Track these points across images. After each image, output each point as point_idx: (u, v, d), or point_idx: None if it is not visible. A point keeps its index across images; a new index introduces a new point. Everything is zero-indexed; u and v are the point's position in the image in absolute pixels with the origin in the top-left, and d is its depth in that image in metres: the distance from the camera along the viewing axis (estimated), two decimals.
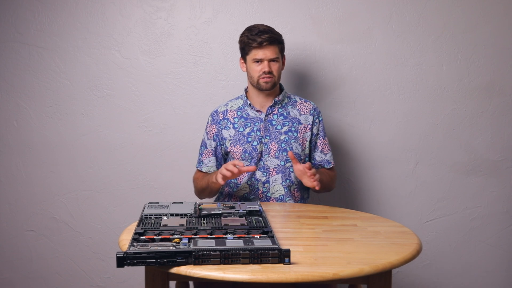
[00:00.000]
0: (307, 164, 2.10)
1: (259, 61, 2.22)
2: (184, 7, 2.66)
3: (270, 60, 2.22)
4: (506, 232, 2.76)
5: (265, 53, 2.21)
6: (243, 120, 2.31)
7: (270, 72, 2.22)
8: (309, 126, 2.32)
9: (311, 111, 2.34)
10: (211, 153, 2.32)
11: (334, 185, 2.41)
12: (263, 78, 2.23)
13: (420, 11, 2.64)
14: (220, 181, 2.08)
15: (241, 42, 2.27)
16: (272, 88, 2.27)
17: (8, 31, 2.68)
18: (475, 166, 2.72)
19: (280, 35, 2.26)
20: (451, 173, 2.72)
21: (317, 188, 2.11)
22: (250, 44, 2.21)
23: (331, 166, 2.36)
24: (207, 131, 2.35)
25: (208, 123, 2.36)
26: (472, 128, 2.70)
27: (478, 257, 2.77)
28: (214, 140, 2.33)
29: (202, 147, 2.35)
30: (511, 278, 2.78)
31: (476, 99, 2.69)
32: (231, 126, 2.31)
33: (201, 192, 2.32)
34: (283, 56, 2.30)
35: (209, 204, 2.01)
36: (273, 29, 2.26)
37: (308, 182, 2.13)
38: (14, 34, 2.68)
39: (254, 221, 1.80)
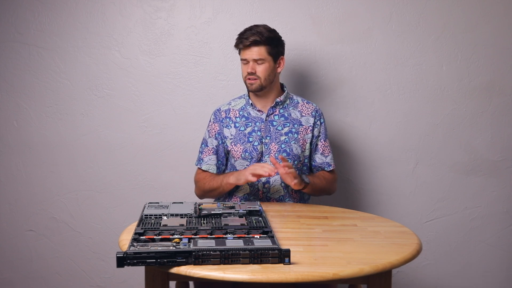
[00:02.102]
0: (280, 157, 2.13)
1: (245, 61, 2.23)
2: (184, 7, 2.66)
3: (255, 61, 2.22)
4: (506, 232, 2.76)
5: (250, 53, 2.21)
6: (244, 119, 2.31)
7: (253, 73, 2.22)
8: (310, 127, 2.32)
9: (313, 113, 2.34)
10: (211, 151, 2.32)
11: (334, 187, 2.39)
12: (248, 79, 2.24)
13: (420, 11, 2.64)
14: (251, 178, 2.09)
15: (235, 42, 2.28)
16: (259, 90, 2.25)
17: (8, 31, 2.68)
18: (475, 166, 2.72)
19: (270, 37, 2.23)
20: (451, 173, 2.72)
21: (295, 188, 2.12)
22: (238, 44, 2.24)
23: (331, 169, 2.35)
24: (209, 129, 2.35)
25: (210, 121, 2.36)
26: (472, 128, 2.70)
27: (478, 257, 2.77)
28: (216, 139, 2.33)
29: (203, 145, 2.35)
30: (511, 278, 2.78)
31: (476, 99, 2.69)
32: (232, 125, 2.31)
33: (208, 192, 2.29)
34: (279, 57, 2.28)
35: (209, 204, 2.01)
36: (267, 31, 2.23)
37: (288, 179, 2.11)
38: (14, 34, 2.68)
39: (254, 221, 1.80)
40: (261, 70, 2.23)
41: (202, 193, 2.32)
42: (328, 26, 2.65)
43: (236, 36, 2.26)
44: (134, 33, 2.68)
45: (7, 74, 2.71)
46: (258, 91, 2.26)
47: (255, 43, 2.21)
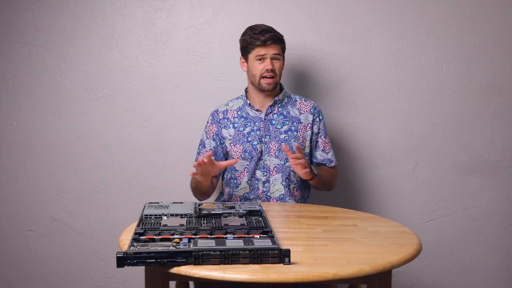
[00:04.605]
0: (296, 149, 2.11)
1: (262, 58, 2.22)
2: (184, 7, 2.66)
3: (273, 58, 2.22)
4: (506, 232, 2.76)
5: (268, 50, 2.22)
6: (243, 119, 2.31)
7: (272, 71, 2.22)
8: (309, 125, 2.32)
9: (311, 110, 2.34)
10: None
11: (335, 183, 2.41)
12: (265, 78, 2.23)
13: (420, 11, 2.64)
14: (199, 178, 2.09)
15: (244, 41, 2.26)
16: (273, 89, 2.27)
17: (8, 31, 2.68)
18: (475, 166, 2.72)
19: (282, 35, 2.28)
20: (451, 173, 2.72)
21: (304, 177, 2.13)
22: (254, 42, 2.22)
23: (333, 165, 2.36)
24: (206, 130, 2.35)
25: (208, 122, 2.36)
26: (472, 128, 2.70)
27: (478, 257, 2.77)
28: (214, 140, 2.33)
29: (200, 146, 2.35)
30: (511, 278, 2.78)
31: (476, 99, 2.69)
32: (231, 125, 2.31)
33: (195, 193, 2.32)
34: (283, 57, 2.31)
35: (209, 204, 2.01)
36: (274, 29, 2.28)
37: (299, 170, 2.12)
38: (14, 34, 2.68)
39: (254, 221, 1.80)
40: (278, 66, 2.25)
41: (193, 194, 2.34)
42: (328, 26, 2.65)
43: (244, 36, 2.26)
44: (134, 33, 2.68)
45: (7, 74, 2.71)
46: (272, 89, 2.27)
47: (274, 41, 2.22)
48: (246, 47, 2.27)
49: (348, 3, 2.64)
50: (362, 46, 2.66)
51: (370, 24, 2.65)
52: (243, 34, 2.27)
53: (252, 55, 2.25)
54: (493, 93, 2.69)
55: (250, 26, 2.28)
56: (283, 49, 2.28)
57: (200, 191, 2.27)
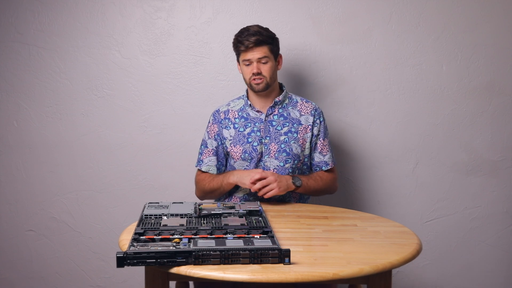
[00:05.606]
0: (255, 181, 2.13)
1: (248, 62, 2.22)
2: (184, 7, 2.66)
3: (259, 61, 2.21)
4: (506, 232, 2.76)
5: (253, 54, 2.20)
6: (243, 120, 2.31)
7: (259, 73, 2.22)
8: (309, 126, 2.32)
9: (312, 112, 2.34)
10: (211, 153, 2.32)
11: (335, 186, 2.38)
12: (254, 80, 2.23)
13: (420, 11, 2.64)
14: (252, 187, 2.11)
15: (232, 44, 2.27)
16: (265, 89, 2.26)
17: (8, 31, 2.68)
18: (475, 166, 2.72)
19: (270, 36, 2.24)
20: (451, 173, 2.72)
21: (280, 194, 2.15)
22: (239, 47, 2.22)
23: (329, 168, 2.34)
24: (208, 130, 2.35)
25: (209, 122, 2.36)
26: (472, 128, 2.70)
27: (478, 257, 2.77)
28: (215, 140, 2.32)
29: (202, 146, 2.35)
30: (511, 278, 2.78)
31: (476, 99, 2.69)
32: (231, 126, 2.31)
33: (208, 193, 2.29)
34: (278, 56, 2.29)
35: (209, 204, 2.01)
36: (264, 30, 2.24)
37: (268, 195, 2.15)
38: (14, 34, 2.68)
39: (254, 221, 1.80)
40: (266, 69, 2.23)
41: (202, 194, 2.32)
42: (328, 26, 2.65)
43: (233, 39, 2.25)
44: (134, 33, 2.68)
45: (7, 74, 2.71)
46: (264, 90, 2.25)
47: (258, 43, 2.20)
48: (235, 51, 2.27)
49: (348, 3, 2.64)
50: (362, 46, 2.66)
51: (370, 24, 2.65)
52: (234, 37, 2.27)
53: (240, 59, 2.26)
54: (493, 93, 2.69)
55: (241, 29, 2.26)
56: (272, 50, 2.24)
57: (220, 192, 2.27)
